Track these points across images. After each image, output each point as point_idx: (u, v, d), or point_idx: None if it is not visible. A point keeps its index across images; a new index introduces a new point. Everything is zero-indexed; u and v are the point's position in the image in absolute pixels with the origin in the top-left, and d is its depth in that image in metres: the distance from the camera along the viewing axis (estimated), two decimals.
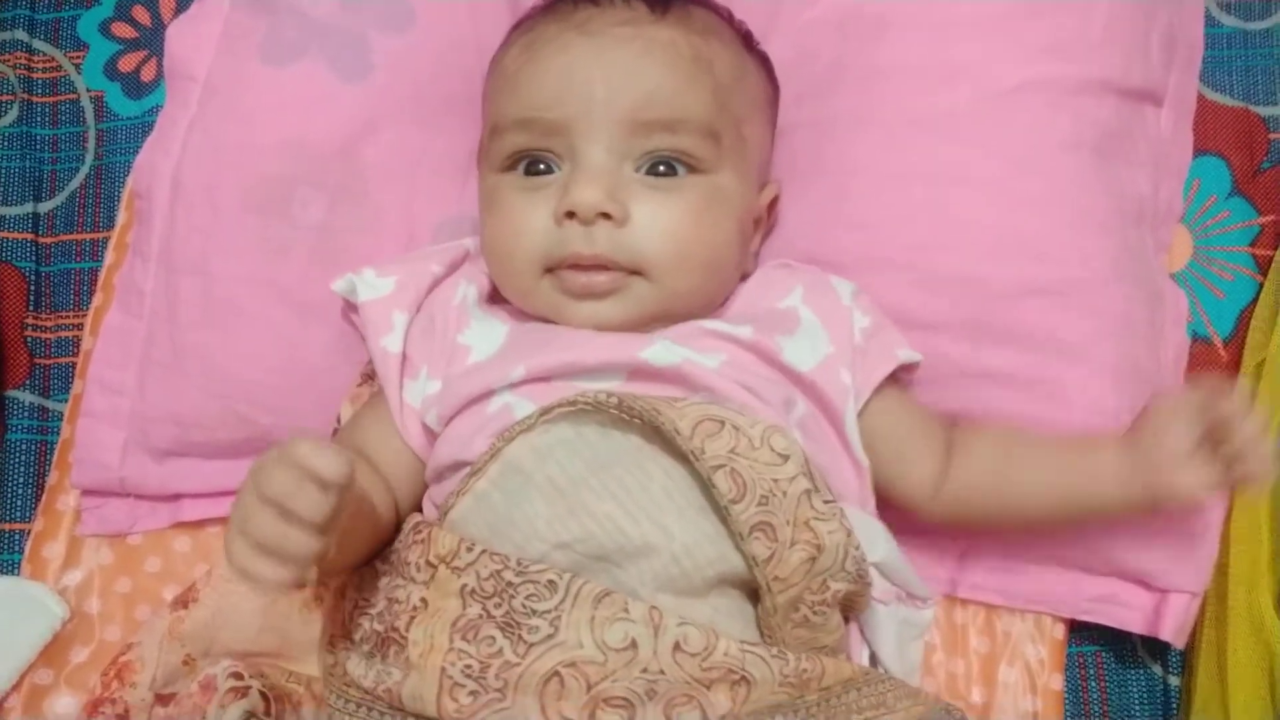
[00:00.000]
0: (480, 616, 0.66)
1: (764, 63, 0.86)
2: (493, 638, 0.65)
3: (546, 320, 0.78)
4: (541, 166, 0.77)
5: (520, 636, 0.65)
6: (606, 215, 0.73)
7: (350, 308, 0.84)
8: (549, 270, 0.76)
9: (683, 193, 0.76)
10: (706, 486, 0.67)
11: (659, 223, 0.74)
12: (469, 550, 0.68)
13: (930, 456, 0.80)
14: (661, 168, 0.76)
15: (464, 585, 0.67)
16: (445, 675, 0.65)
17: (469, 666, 0.65)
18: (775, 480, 0.68)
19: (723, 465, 0.67)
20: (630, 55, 0.75)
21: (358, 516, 0.68)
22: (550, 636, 0.64)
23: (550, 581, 0.66)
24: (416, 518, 0.73)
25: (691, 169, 0.76)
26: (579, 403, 0.69)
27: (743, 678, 0.65)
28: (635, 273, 0.75)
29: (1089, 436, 0.80)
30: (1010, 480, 0.80)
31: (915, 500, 0.81)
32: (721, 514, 0.67)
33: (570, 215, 0.73)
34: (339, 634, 0.73)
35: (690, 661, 0.64)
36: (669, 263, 0.75)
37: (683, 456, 0.68)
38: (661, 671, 0.64)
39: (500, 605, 0.66)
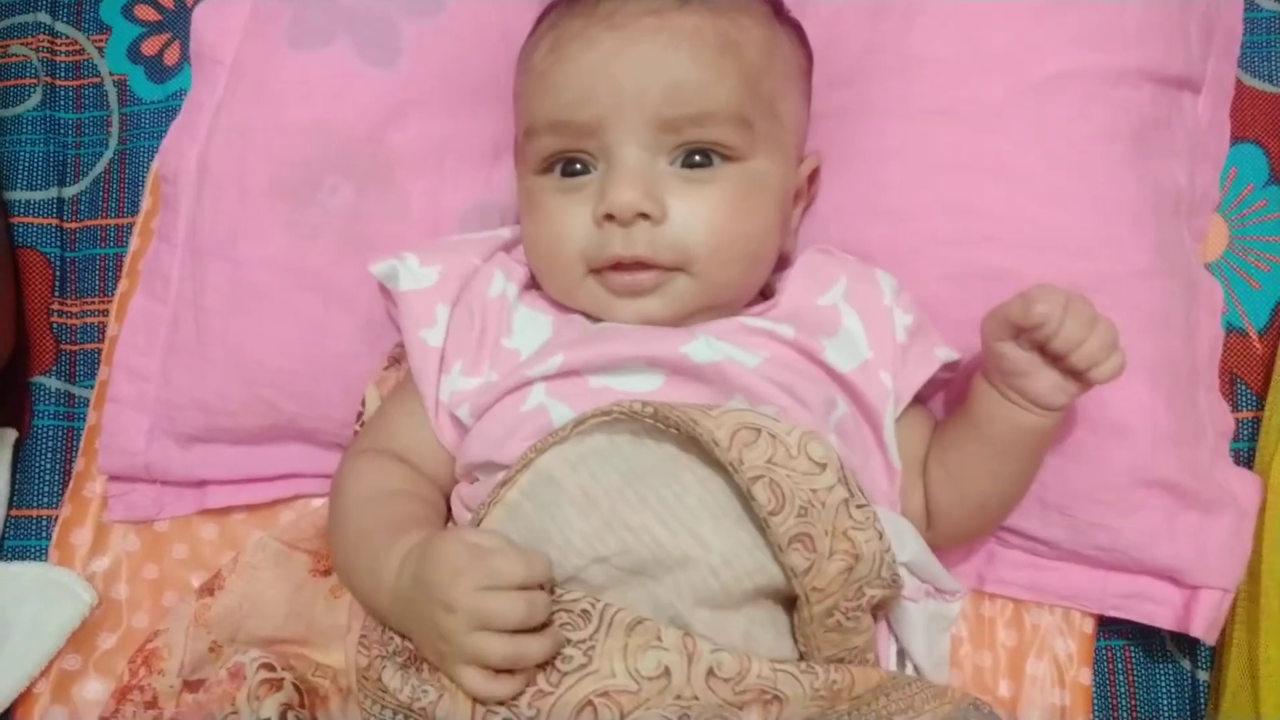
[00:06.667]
0: None
1: (796, 31, 0.84)
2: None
3: (590, 315, 0.78)
4: (578, 167, 0.76)
5: (554, 665, 0.64)
6: (644, 215, 0.73)
7: (385, 291, 0.83)
8: (593, 270, 0.75)
9: (719, 183, 0.75)
10: (743, 496, 0.67)
11: (697, 216, 0.74)
12: None
13: (917, 490, 0.80)
14: (696, 158, 0.75)
15: None
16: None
17: None
18: (814, 490, 0.67)
19: (761, 476, 0.66)
20: (656, 49, 0.74)
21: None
22: (583, 666, 0.64)
23: (584, 611, 0.65)
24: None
25: (726, 158, 0.75)
26: (614, 412, 0.69)
27: (775, 696, 0.64)
28: (677, 268, 0.74)
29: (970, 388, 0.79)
30: (954, 475, 0.78)
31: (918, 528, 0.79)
32: (758, 524, 0.67)
33: (609, 217, 0.73)
34: (371, 638, 0.73)
35: (724, 687, 0.64)
36: (710, 256, 0.74)
37: (718, 465, 0.67)
38: (695, 697, 0.63)
39: None
